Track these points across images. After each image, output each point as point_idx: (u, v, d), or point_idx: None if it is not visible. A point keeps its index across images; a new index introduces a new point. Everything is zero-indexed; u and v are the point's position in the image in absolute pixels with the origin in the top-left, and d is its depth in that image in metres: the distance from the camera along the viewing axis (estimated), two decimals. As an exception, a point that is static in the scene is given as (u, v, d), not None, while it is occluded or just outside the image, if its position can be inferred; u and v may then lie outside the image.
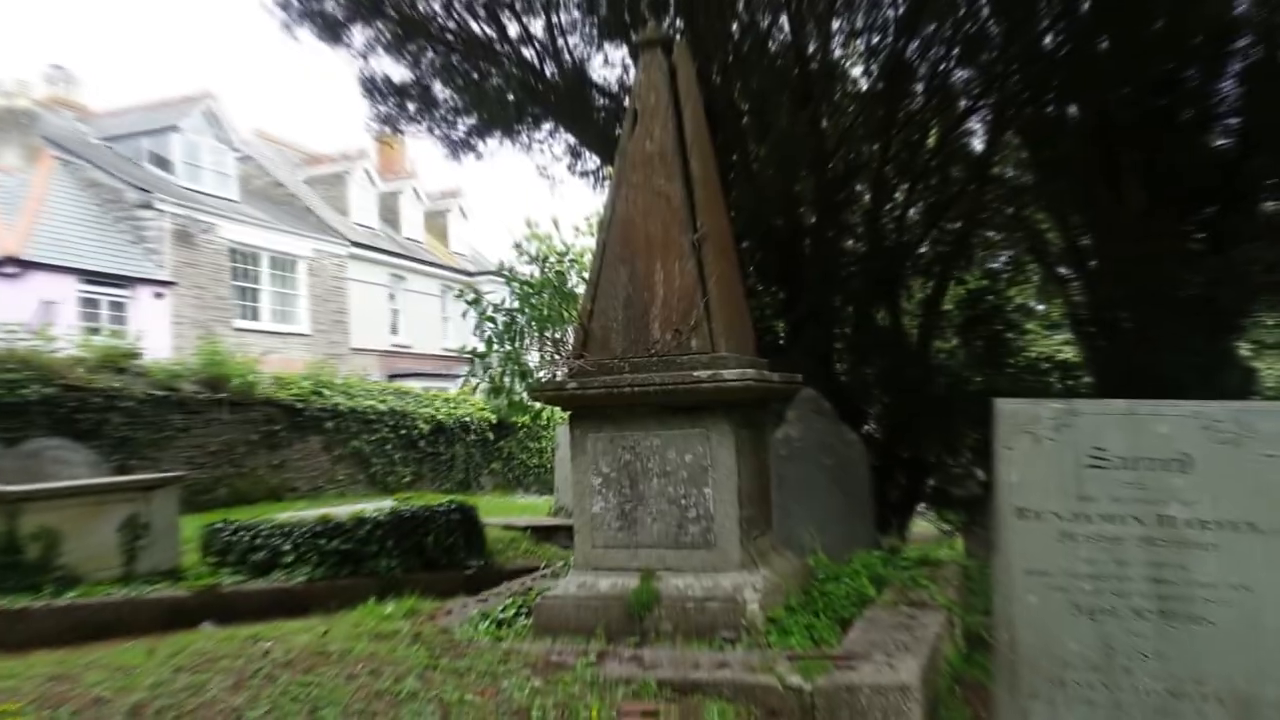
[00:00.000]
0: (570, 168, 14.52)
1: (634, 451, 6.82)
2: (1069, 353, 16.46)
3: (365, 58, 13.73)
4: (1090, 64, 11.97)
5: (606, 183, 12.66)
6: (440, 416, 26.65)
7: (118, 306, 29.74)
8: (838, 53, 13.65)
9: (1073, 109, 13.70)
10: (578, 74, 12.91)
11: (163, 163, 35.00)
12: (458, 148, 13.96)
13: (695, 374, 6.52)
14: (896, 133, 12.89)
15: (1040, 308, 18.09)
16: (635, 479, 6.80)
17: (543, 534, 15.49)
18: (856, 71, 14.18)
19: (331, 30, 13.21)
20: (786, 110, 12.31)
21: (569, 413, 7.29)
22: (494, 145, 14.03)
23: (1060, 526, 5.17)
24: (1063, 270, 15.86)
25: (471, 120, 13.60)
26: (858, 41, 13.57)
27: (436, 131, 13.97)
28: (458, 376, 30.42)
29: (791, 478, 9.80)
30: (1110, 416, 5.12)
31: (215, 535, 12.07)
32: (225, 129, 36.93)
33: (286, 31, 13.23)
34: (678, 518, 6.70)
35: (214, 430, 19.84)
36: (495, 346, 9.82)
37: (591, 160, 14.19)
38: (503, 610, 7.56)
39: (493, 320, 10.24)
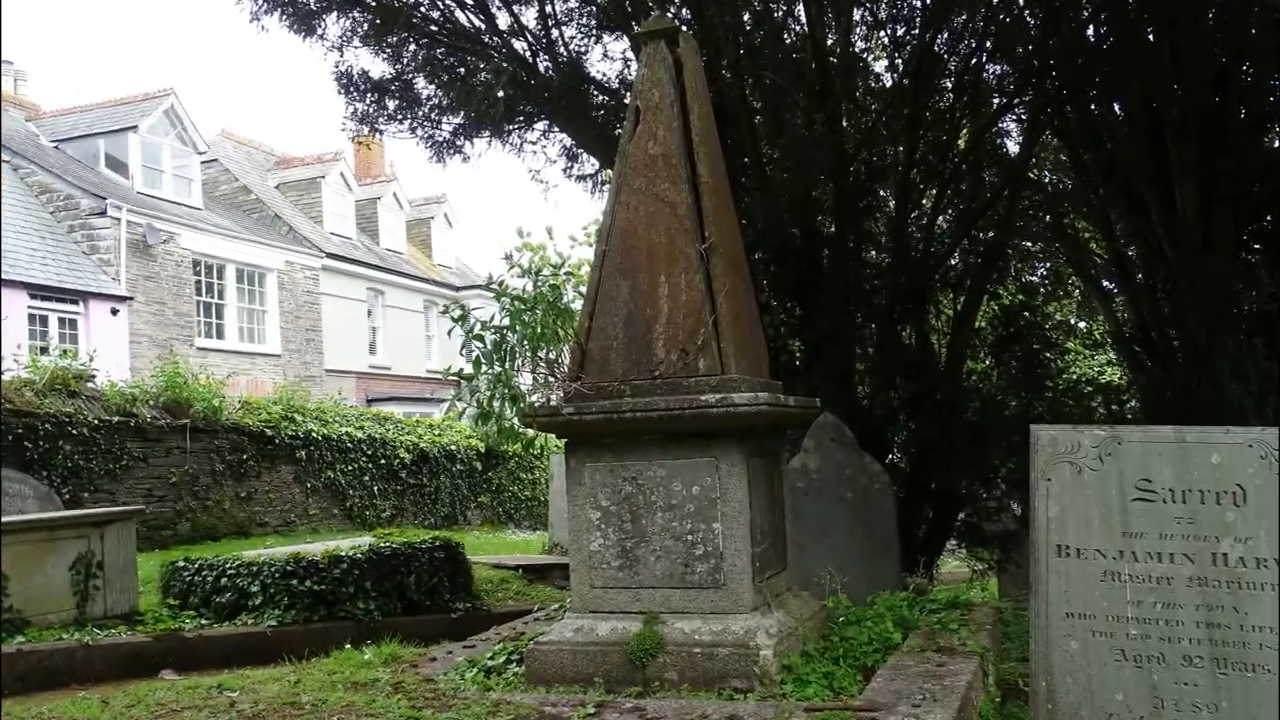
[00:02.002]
0: (566, 171, 14.59)
1: (636, 483, 6.82)
2: (1113, 374, 16.51)
3: (341, 51, 13.80)
4: (1137, 58, 12.01)
5: (605, 188, 12.70)
6: (424, 445, 26.66)
7: (70, 324, 29.77)
8: (859, 46, 13.72)
9: (1117, 106, 13.76)
10: (574, 69, 12.96)
11: (120, 166, 35.08)
12: (442, 149, 14.01)
13: (703, 398, 6.52)
14: (924, 133, 12.93)
15: (1082, 325, 18.14)
16: (637, 513, 6.80)
17: (536, 573, 15.51)
18: (880, 66, 14.26)
19: (304, 20, 13.26)
20: (803, 109, 12.36)
21: (565, 441, 7.29)
22: (482, 147, 14.12)
23: (1104, 565, 5.18)
24: (1106, 284, 15.92)
25: (457, 119, 13.65)
26: (881, 33, 13.64)
27: (419, 131, 14.03)
28: (442, 401, 30.41)
29: (809, 512, 9.82)
30: (1158, 445, 5.13)
31: (176, 575, 12.08)
32: (188, 130, 37.01)
33: (254, 22, 13.29)
34: (683, 556, 6.70)
35: (175, 460, 19.85)
36: (484, 368, 9.82)
37: (589, 163, 14.25)
38: (492, 657, 7.56)
39: (481, 339, 10.24)
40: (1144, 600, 5.11)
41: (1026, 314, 13.70)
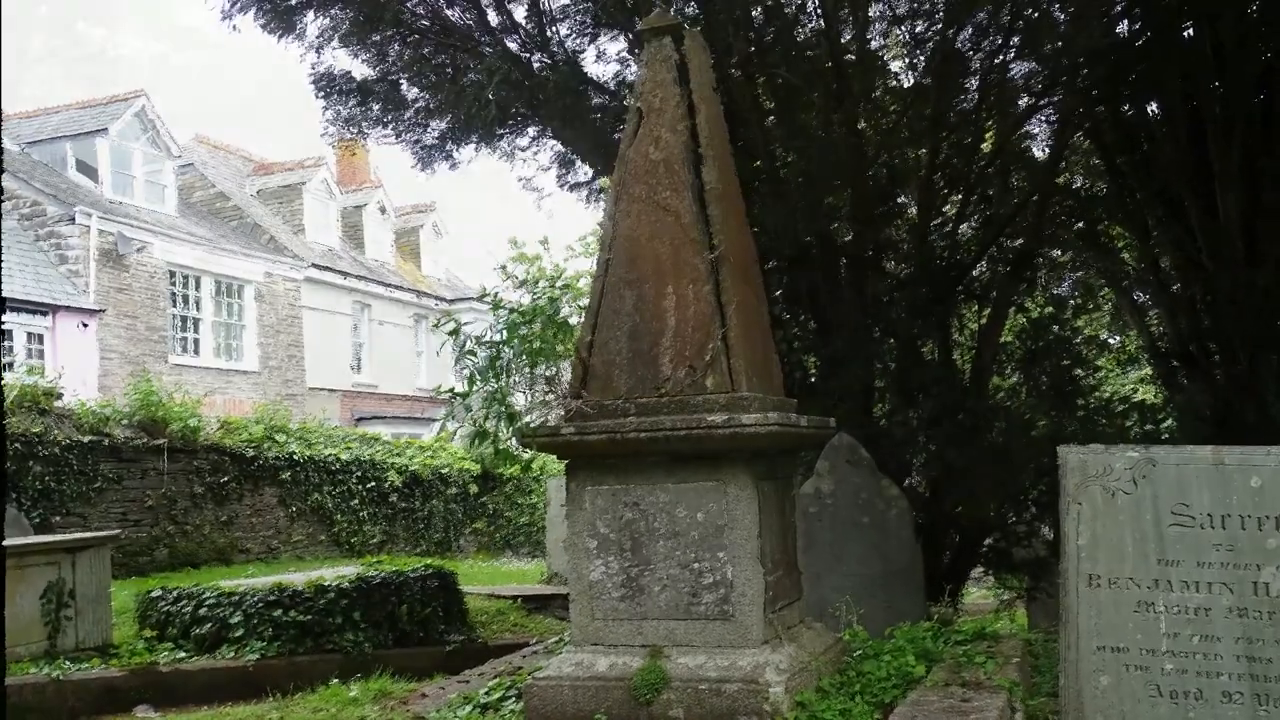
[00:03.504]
0: (561, 178, 14.60)
1: (638, 508, 6.84)
2: (1148, 392, 16.50)
3: (318, 51, 13.78)
4: (1174, 54, 12.03)
5: (604, 195, 12.73)
6: (415, 467, 26.66)
7: (35, 338, 29.77)
8: (877, 43, 13.74)
9: (1155, 106, 13.76)
10: (571, 68, 12.98)
11: (89, 172, 35.10)
12: (430, 155, 14.03)
13: (709, 419, 6.54)
14: (946, 136, 12.94)
15: (1113, 340, 18.14)
16: (640, 540, 6.82)
17: (535, 603, 15.53)
18: (899, 65, 14.28)
19: (281, 18, 13.26)
20: (819, 109, 12.38)
21: (565, 463, 7.31)
22: (472, 152, 14.12)
23: (1137, 595, 5.19)
24: (1142, 296, 15.91)
25: (446, 123, 13.67)
26: (900, 29, 13.66)
27: (405, 136, 14.04)
28: (433, 420, 30.41)
29: (823, 539, 9.82)
30: (1195, 467, 5.14)
31: (153, 604, 12.09)
32: (161, 133, 37.00)
33: (226, 20, 13.28)
34: (690, 586, 6.72)
35: (151, 481, 19.87)
36: (478, 384, 9.84)
37: (587, 169, 14.27)
38: (487, 693, 7.58)
39: (475, 354, 10.23)
40: (1180, 632, 5.12)
41: (1056, 328, 13.67)
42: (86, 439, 18.76)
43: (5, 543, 11.83)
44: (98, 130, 35.30)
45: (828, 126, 12.14)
